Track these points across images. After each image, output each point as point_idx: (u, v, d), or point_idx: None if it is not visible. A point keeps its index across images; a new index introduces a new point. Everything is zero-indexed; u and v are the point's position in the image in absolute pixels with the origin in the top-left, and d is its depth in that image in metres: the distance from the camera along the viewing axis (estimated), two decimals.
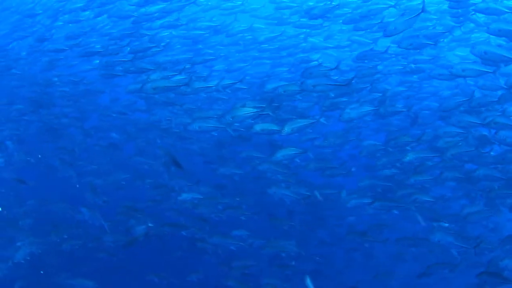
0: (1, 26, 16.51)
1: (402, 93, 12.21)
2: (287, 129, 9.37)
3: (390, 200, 10.51)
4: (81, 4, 13.78)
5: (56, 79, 14.09)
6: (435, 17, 11.47)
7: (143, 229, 10.78)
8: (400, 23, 8.93)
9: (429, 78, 10.62)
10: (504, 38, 8.55)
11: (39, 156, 13.29)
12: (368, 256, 13.61)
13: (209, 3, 14.35)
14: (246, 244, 10.71)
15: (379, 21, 11.37)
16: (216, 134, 12.57)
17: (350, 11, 12.05)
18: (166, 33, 12.88)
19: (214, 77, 12.52)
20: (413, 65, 11.41)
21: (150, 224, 10.80)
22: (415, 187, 10.73)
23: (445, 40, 11.74)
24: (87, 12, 14.11)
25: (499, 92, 9.21)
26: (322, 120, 10.21)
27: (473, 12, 9.84)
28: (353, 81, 9.45)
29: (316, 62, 12.60)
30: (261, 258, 11.51)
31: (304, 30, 14.06)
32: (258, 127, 9.56)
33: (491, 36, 8.62)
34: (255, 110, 9.21)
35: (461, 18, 10.54)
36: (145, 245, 11.21)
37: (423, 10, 8.63)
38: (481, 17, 10.36)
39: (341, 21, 12.10)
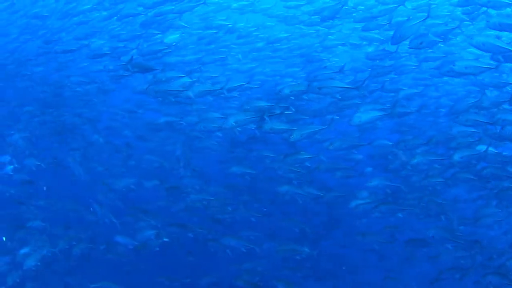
0: (11, 29, 16.86)
1: (415, 92, 12.35)
2: (295, 135, 9.54)
3: (395, 203, 10.60)
4: (90, 6, 14.03)
5: (67, 80, 14.39)
6: (447, 13, 11.61)
7: (154, 234, 10.99)
8: (406, 30, 9.08)
9: (440, 76, 10.73)
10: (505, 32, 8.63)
11: (52, 158, 13.47)
12: (380, 257, 13.72)
13: (220, 3, 14.50)
14: (257, 246, 10.82)
15: (387, 21, 11.51)
16: (220, 134, 12.70)
17: (363, 7, 12.20)
18: (177, 35, 13.06)
19: (226, 76, 12.75)
20: (425, 63, 11.55)
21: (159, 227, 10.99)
22: (426, 188, 10.83)
23: (457, 38, 11.87)
24: (96, 14, 14.37)
25: (507, 89, 9.32)
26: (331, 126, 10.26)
27: (485, 8, 9.93)
28: (366, 81, 9.61)
29: (328, 62, 12.78)
30: (273, 260, 11.63)
31: (316, 28, 14.20)
32: (267, 126, 9.69)
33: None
34: (257, 114, 9.35)
35: (472, 15, 10.66)
36: (156, 246, 11.36)
37: (429, 15, 8.78)
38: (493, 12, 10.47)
39: (352, 19, 12.24)
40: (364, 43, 13.08)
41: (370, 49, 12.19)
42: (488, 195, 11.00)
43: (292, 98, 10.13)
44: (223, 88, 9.86)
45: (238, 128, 9.83)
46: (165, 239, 11.26)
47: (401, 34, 9.14)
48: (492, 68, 8.34)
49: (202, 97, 10.45)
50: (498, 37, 8.02)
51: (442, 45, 11.23)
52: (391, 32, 9.78)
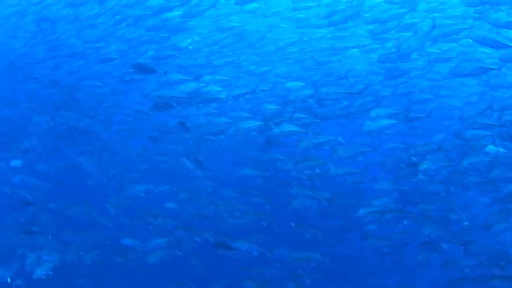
0: (20, 33, 17.25)
1: (427, 94, 12.63)
2: (303, 144, 9.83)
3: (400, 210, 10.83)
4: (99, 10, 14.41)
5: (77, 82, 14.78)
6: (458, 13, 11.89)
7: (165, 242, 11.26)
8: (413, 41, 9.37)
9: (452, 77, 11.00)
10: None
11: (63, 160, 13.82)
12: (393, 262, 13.88)
13: (232, 6, 14.79)
14: (268, 250, 11.01)
15: (399, 24, 11.82)
16: (224, 137, 12.91)
17: (376, 11, 12.49)
18: (189, 39, 13.38)
19: (238, 79, 13.05)
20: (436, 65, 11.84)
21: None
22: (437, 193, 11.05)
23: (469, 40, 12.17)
24: (106, 18, 14.77)
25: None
26: (339, 138, 10.54)
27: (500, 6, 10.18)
28: (371, 86, 9.83)
29: (340, 65, 13.07)
30: (284, 264, 11.80)
31: (329, 30, 14.51)
32: (277, 130, 9.99)
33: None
34: (259, 123, 9.70)
35: (484, 14, 10.94)
36: (166, 256, 11.62)
37: (434, 26, 9.07)
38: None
39: (365, 22, 12.53)
40: (376, 46, 13.39)
41: (382, 52, 12.48)
42: (498, 198, 11.18)
43: (301, 102, 10.42)
44: (229, 95, 10.19)
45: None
46: (178, 252, 11.55)
47: (409, 45, 9.45)
48: (495, 68, 8.62)
49: (207, 103, 10.76)
50: (498, 32, 8.28)
51: (455, 45, 11.54)
52: (403, 34, 10.09)
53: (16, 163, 13.39)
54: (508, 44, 8.07)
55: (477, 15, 10.99)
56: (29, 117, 14.78)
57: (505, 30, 8.81)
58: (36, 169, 13.52)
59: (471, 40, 12.21)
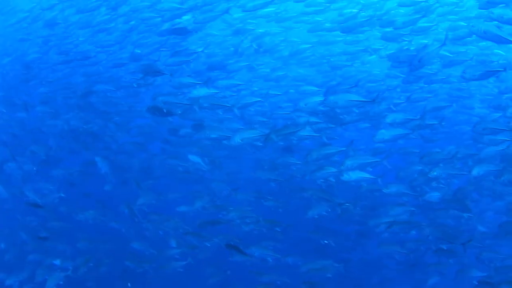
0: (33, 38, 17.61)
1: (442, 100, 12.88)
2: (313, 155, 10.12)
3: (408, 222, 11.06)
4: (114, 16, 14.79)
5: (91, 86, 15.15)
6: (472, 15, 12.15)
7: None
8: (425, 56, 9.65)
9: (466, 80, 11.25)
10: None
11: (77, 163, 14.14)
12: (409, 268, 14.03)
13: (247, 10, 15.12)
14: (282, 257, 11.20)
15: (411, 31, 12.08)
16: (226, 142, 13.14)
17: (390, 16, 12.78)
18: (203, 45, 13.67)
19: (254, 82, 13.32)
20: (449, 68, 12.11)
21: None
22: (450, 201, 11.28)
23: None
24: (120, 23, 15.14)
25: None
26: (349, 150, 10.79)
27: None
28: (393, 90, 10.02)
29: (355, 70, 13.36)
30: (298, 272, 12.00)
31: (343, 35, 14.75)
32: (292, 135, 10.27)
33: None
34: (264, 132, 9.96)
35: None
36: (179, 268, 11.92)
37: (445, 43, 9.35)
38: None
39: (380, 28, 12.82)
40: (392, 51, 13.66)
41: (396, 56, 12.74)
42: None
43: (315, 107, 10.68)
44: (234, 106, 10.44)
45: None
46: (190, 259, 11.80)
47: (420, 60, 9.71)
48: (501, 70, 8.87)
49: (213, 110, 11.05)
50: (499, 27, 8.51)
51: (472, 47, 11.77)
52: (418, 37, 10.27)
53: (30, 166, 13.61)
54: (509, 38, 8.30)
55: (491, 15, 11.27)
56: (43, 120, 15.13)
57: None
58: (50, 173, 13.79)
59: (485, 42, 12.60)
